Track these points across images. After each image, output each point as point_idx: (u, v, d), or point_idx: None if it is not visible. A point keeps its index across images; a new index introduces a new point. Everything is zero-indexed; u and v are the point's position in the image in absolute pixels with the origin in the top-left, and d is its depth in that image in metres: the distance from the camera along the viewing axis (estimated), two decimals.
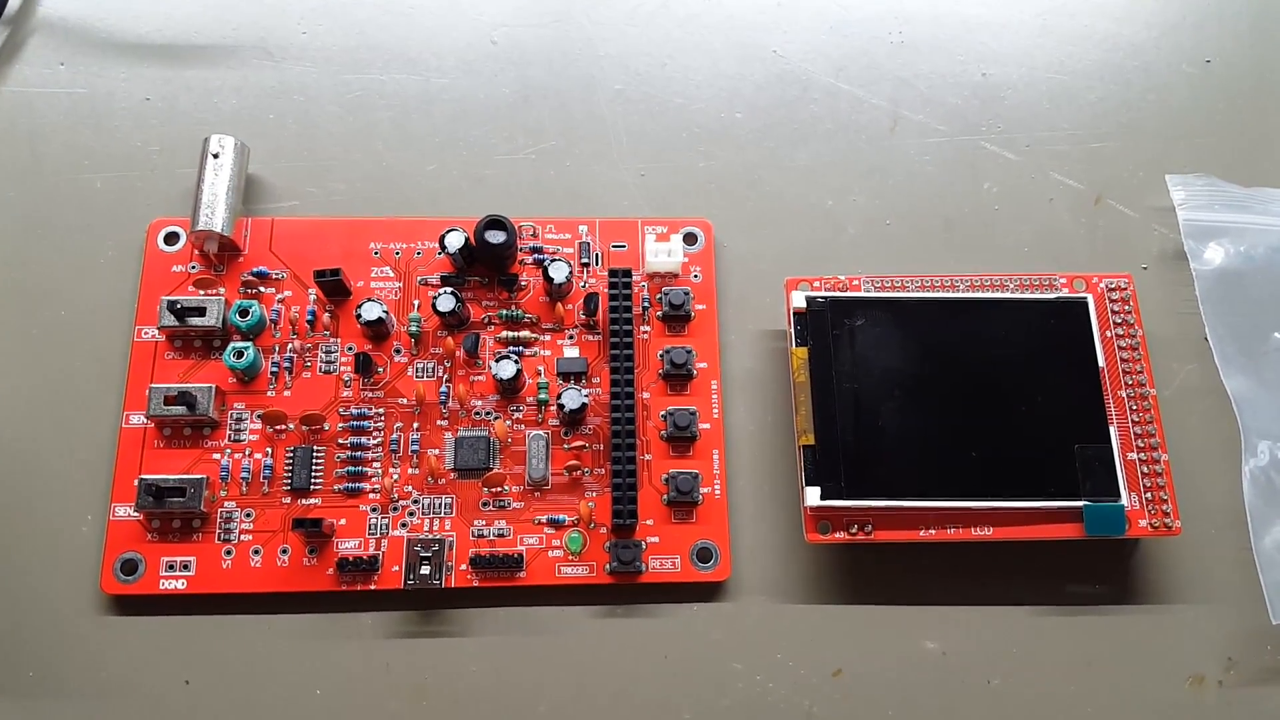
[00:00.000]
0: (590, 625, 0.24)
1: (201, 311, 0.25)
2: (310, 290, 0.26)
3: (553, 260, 0.26)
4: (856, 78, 0.29)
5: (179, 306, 0.25)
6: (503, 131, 0.28)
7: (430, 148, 0.28)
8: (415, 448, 0.25)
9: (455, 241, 0.26)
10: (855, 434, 0.24)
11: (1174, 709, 0.24)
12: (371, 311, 0.25)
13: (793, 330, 0.25)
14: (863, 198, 0.28)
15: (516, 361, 0.25)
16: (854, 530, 0.24)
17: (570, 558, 0.24)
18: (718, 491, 0.25)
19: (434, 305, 0.25)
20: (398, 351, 0.26)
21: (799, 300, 0.25)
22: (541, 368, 0.26)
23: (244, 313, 0.25)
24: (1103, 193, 0.28)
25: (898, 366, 0.24)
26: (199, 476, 0.24)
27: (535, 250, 0.27)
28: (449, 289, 0.26)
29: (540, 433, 0.25)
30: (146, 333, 0.26)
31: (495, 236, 0.25)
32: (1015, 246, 0.27)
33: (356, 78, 0.29)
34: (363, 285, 0.26)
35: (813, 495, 0.24)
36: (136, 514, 0.24)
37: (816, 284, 0.25)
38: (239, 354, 0.25)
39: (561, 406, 0.25)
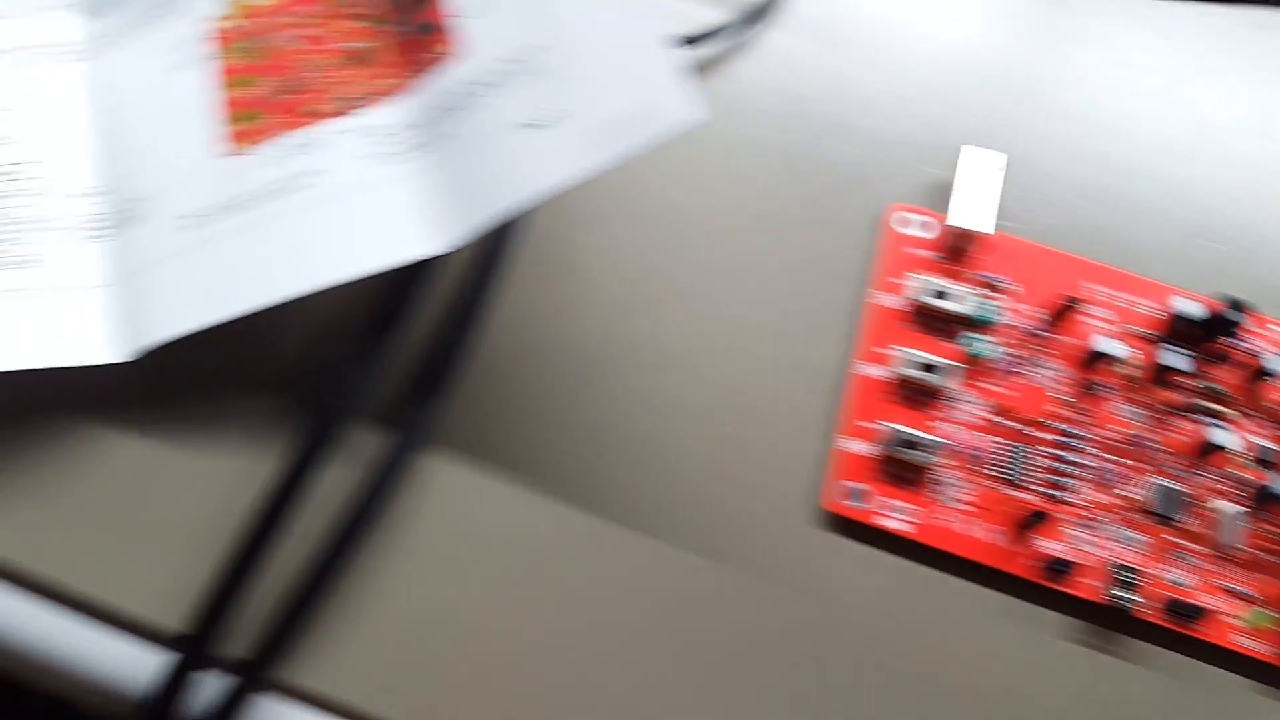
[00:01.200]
0: (1247, 699, 0.26)
1: (952, 296, 0.28)
2: (1033, 307, 0.29)
3: (1271, 352, 0.28)
4: None
5: (935, 288, 0.28)
6: (1214, 217, 0.31)
7: (1145, 214, 0.31)
8: (1113, 479, 0.27)
9: (1190, 309, 0.28)
10: None
11: None
12: (1106, 345, 0.28)
13: None
14: None
15: (1231, 432, 0.27)
16: None
17: (1246, 629, 0.26)
18: None
19: (1161, 359, 0.28)
20: (1104, 388, 0.28)
21: None
22: (1243, 448, 0.28)
23: (984, 309, 0.28)
24: None
25: None
26: (937, 438, 0.27)
27: (1240, 336, 0.29)
28: (1176, 348, 0.28)
29: (1238, 507, 0.27)
30: (884, 299, 0.28)
31: (1235, 315, 0.28)
32: None
33: (1093, 133, 0.32)
34: (1081, 320, 0.29)
35: None
36: (865, 450, 0.26)
37: None
38: (977, 342, 0.28)
39: (1267, 489, 0.26)
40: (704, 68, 0.33)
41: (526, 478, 0.27)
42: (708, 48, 0.32)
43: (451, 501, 0.26)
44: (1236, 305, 0.28)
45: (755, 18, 0.33)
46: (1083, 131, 0.33)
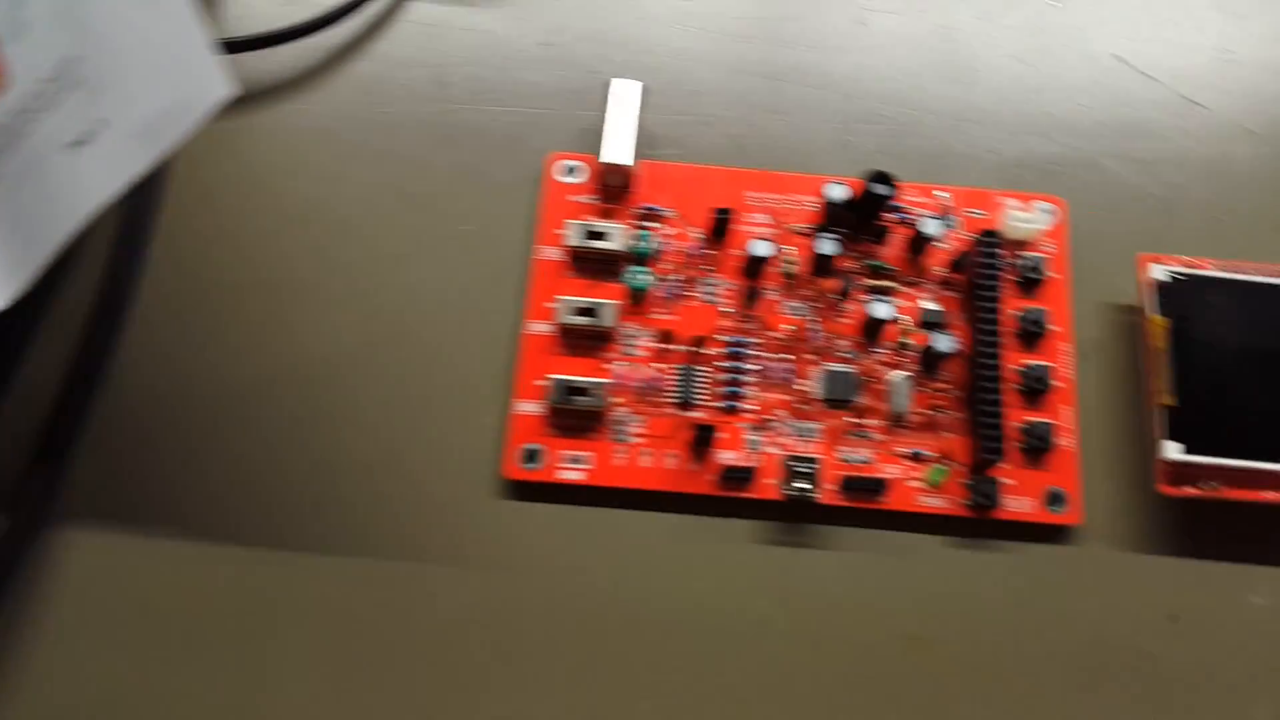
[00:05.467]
0: (945, 553, 0.27)
1: (606, 236, 0.29)
2: (694, 229, 0.29)
3: (925, 218, 0.29)
4: (1190, 86, 0.32)
5: (589, 230, 0.28)
6: (864, 103, 0.32)
7: (799, 113, 0.31)
8: (787, 376, 0.28)
9: (837, 193, 0.29)
10: (1211, 398, 0.27)
11: None
12: (760, 248, 0.28)
13: (1151, 301, 0.28)
14: (1197, 193, 0.31)
15: (889, 304, 0.28)
16: (1204, 486, 0.26)
17: (929, 489, 0.27)
18: (1069, 443, 0.28)
19: (816, 248, 0.28)
20: (771, 290, 0.29)
21: (1158, 274, 0.28)
22: (905, 316, 0.29)
23: (642, 241, 0.29)
24: None
25: (1249, 341, 0.27)
26: (602, 380, 0.27)
27: (896, 209, 0.30)
28: (830, 235, 0.28)
29: (905, 373, 0.28)
30: (546, 252, 0.29)
31: (881, 189, 0.29)
32: None
33: (735, 46, 0.32)
34: (740, 229, 0.29)
35: (1173, 449, 0.26)
36: (539, 409, 0.27)
37: (1168, 263, 0.28)
38: (638, 276, 0.28)
39: (930, 349, 0.28)
40: (341, 52, 0.32)
41: (183, 530, 0.27)
42: (342, 29, 0.32)
43: (98, 574, 0.26)
44: (879, 178, 0.28)
45: None
46: (721, 44, 0.33)
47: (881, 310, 0.27)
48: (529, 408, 0.27)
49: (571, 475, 0.26)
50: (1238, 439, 0.26)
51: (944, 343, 0.27)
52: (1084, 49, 0.32)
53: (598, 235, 0.28)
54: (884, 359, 0.28)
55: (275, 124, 0.30)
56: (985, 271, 0.28)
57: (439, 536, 0.27)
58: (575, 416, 0.27)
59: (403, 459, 0.27)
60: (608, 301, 0.27)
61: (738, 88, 0.31)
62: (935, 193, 0.30)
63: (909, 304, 0.29)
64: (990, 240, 0.28)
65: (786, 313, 0.28)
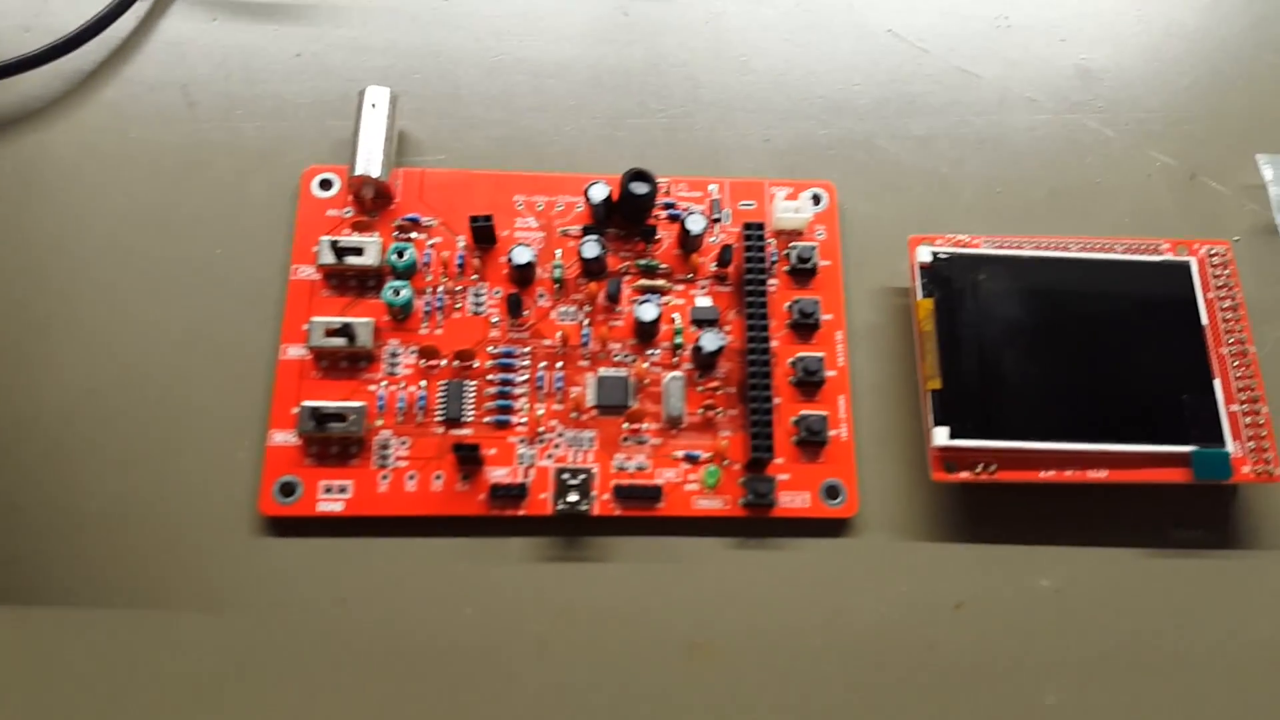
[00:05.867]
0: (724, 555, 0.26)
1: (360, 251, 0.27)
2: (459, 237, 0.28)
3: (689, 213, 0.28)
4: (966, 57, 0.32)
5: (339, 246, 0.27)
6: (634, 97, 0.30)
7: (566, 110, 0.30)
8: (559, 385, 0.27)
9: (599, 193, 0.28)
10: (980, 379, 0.26)
11: (1275, 648, 0.26)
12: (522, 255, 0.27)
13: (919, 283, 0.27)
14: (974, 167, 0.30)
15: (658, 305, 0.27)
16: (978, 470, 0.26)
17: (705, 491, 0.26)
18: (844, 434, 0.27)
19: (580, 252, 0.27)
20: (541, 296, 0.28)
21: (925, 255, 0.27)
22: (677, 315, 0.28)
23: (400, 254, 0.27)
24: (1196, 170, 0.30)
25: (1018, 319, 0.27)
26: (359, 404, 0.26)
27: (668, 206, 0.29)
28: (593, 237, 0.27)
29: (678, 374, 0.27)
30: (302, 271, 0.27)
31: (639, 187, 0.27)
32: (1116, 217, 0.30)
33: (497, 44, 0.31)
34: (508, 234, 0.28)
35: (941, 435, 0.26)
36: (295, 439, 0.26)
37: (938, 242, 0.27)
38: (397, 291, 0.27)
39: (699, 349, 0.27)
40: (86, 78, 0.31)
41: None
42: (86, 53, 0.30)
43: None
44: (637, 176, 0.27)
45: (119, 10, 0.30)
46: (480, 43, 0.32)
47: (648, 312, 0.26)
48: (285, 438, 0.26)
49: (332, 506, 0.25)
50: (1007, 419, 0.25)
51: (710, 340, 0.26)
52: (857, 26, 0.32)
53: (354, 250, 0.27)
54: (658, 360, 0.27)
55: (17, 156, 0.29)
56: (751, 264, 0.27)
57: (194, 581, 0.26)
58: (333, 444, 0.25)
59: (154, 501, 0.26)
60: (362, 320, 0.26)
61: (500, 87, 0.30)
62: (710, 186, 0.28)
63: (684, 302, 0.28)
64: (755, 232, 0.27)
65: (557, 319, 0.27)
